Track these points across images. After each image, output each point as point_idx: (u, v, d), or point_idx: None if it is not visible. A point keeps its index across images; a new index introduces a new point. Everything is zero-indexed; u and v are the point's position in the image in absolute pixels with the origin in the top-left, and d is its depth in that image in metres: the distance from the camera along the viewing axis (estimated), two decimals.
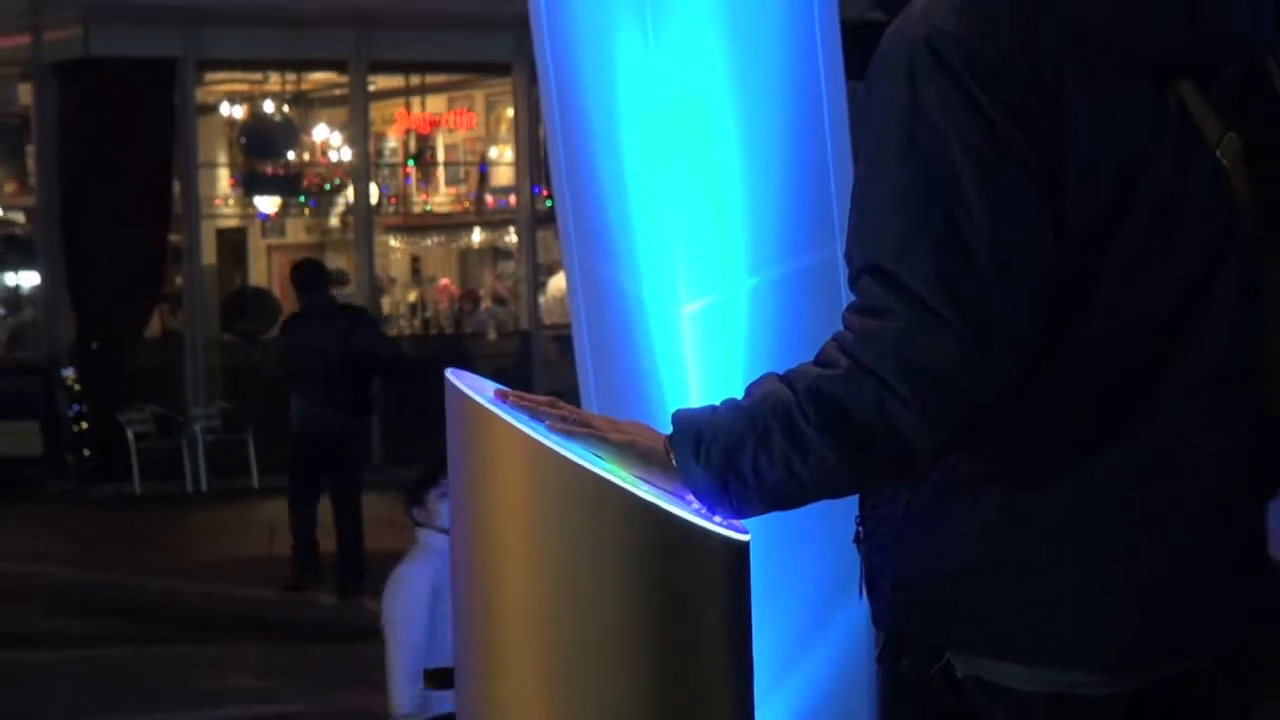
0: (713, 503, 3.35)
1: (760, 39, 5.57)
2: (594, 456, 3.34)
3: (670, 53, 5.48)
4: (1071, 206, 3.30)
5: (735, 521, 3.37)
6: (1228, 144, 3.37)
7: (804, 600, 5.43)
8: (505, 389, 3.47)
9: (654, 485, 3.35)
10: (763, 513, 3.39)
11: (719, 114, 5.51)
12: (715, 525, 3.32)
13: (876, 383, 3.24)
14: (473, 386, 3.45)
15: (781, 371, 3.38)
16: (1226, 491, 3.44)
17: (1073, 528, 3.36)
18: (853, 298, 3.36)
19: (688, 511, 3.33)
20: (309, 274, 21.14)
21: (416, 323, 36.58)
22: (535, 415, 3.40)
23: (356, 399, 19.92)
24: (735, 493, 3.33)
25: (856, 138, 3.90)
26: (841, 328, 3.33)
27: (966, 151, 3.25)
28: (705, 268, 5.46)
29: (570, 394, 5.38)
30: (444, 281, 36.78)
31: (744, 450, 3.30)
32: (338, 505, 19.73)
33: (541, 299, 33.80)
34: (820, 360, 3.33)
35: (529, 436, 3.34)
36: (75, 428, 31.32)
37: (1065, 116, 3.30)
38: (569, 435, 3.38)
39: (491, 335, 35.02)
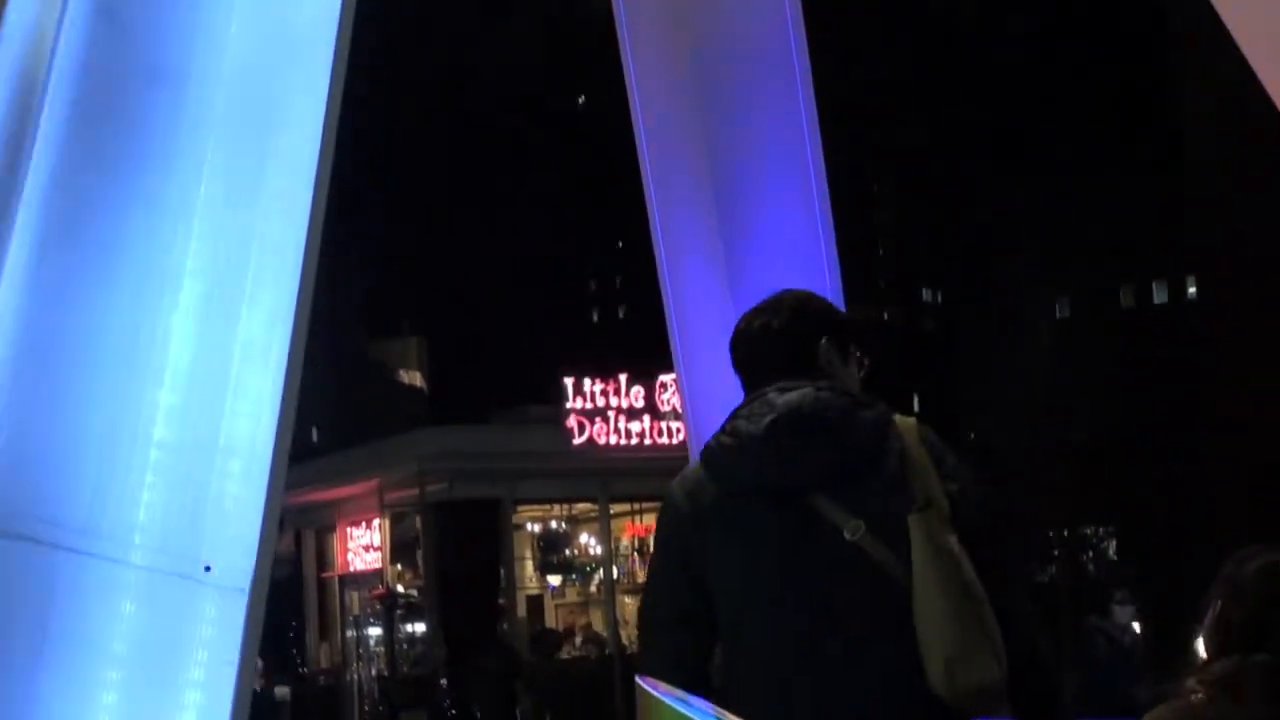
0: None
1: None
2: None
3: None
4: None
5: None
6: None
7: None
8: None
9: None
10: None
11: None
12: None
13: None
14: (650, 684, 3.32)
15: None
16: None
17: None
18: None
19: None
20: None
21: None
22: None
23: (507, 693, 22.37)
24: None
25: None
26: None
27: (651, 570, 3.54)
28: None
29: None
30: None
31: None
32: None
33: None
34: None
35: (672, 707, 3.18)
36: (449, 713, 31.08)
37: (709, 538, 3.34)
38: None
39: None
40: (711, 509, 3.29)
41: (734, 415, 3.46)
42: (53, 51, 3.73)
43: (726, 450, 3.35)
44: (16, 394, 3.48)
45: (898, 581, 3.17)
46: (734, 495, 3.29)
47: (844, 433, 3.30)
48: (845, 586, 3.19)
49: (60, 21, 3.76)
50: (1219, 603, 3.56)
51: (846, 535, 3.20)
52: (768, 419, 3.34)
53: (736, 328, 3.67)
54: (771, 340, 3.54)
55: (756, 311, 3.66)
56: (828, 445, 3.28)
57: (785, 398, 3.37)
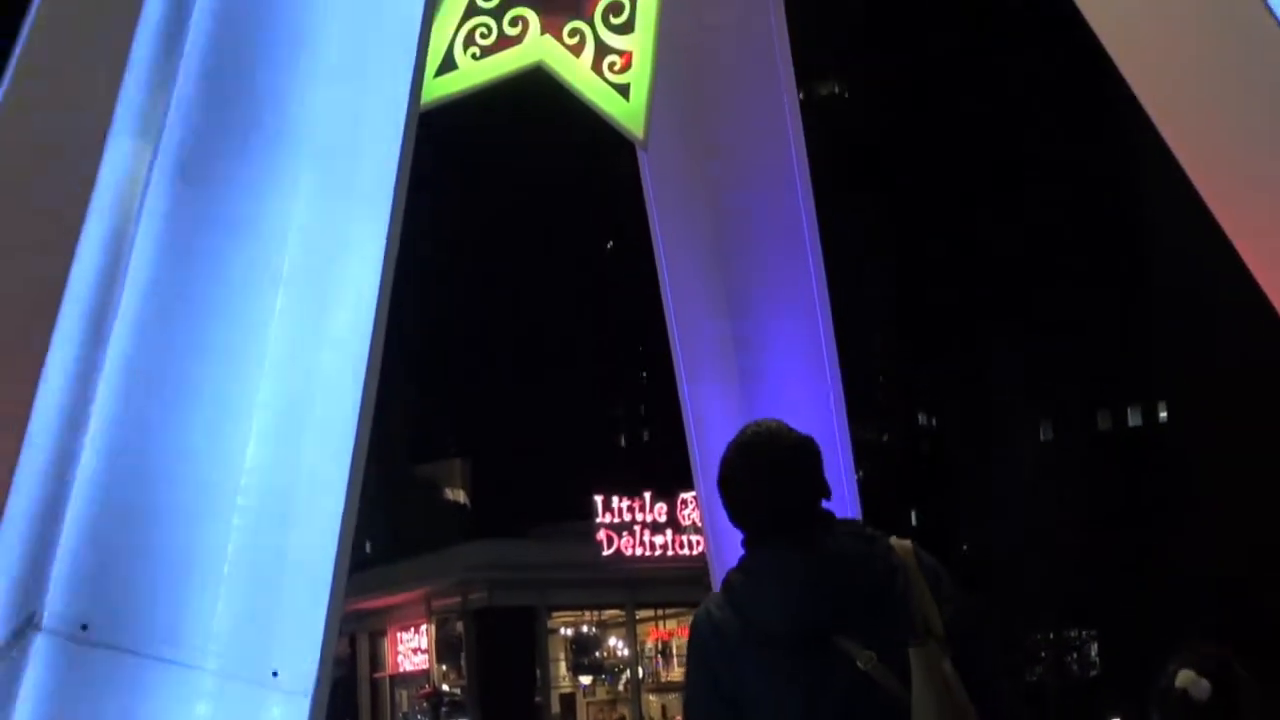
0: None
1: None
2: None
3: None
4: None
5: None
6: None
7: None
8: None
9: None
10: None
11: None
12: None
13: None
14: None
15: None
16: None
17: None
18: None
19: None
20: None
21: None
22: None
23: None
24: None
25: None
26: None
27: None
28: None
29: None
30: (676, 717, 36.19)
31: None
32: None
33: None
34: None
35: None
36: None
37: (740, 670, 3.28)
38: None
39: None
40: (737, 640, 3.26)
41: (749, 568, 3.36)
42: (139, 210, 3.77)
43: (752, 600, 3.31)
44: (106, 518, 3.49)
45: (904, 703, 3.26)
46: (756, 627, 3.23)
47: (856, 583, 3.33)
48: (864, 708, 3.25)
49: (147, 181, 3.80)
50: (1156, 714, 3.55)
51: (860, 665, 3.24)
52: (789, 576, 3.31)
53: (734, 475, 3.45)
54: (777, 498, 3.39)
55: (751, 463, 3.44)
56: (841, 597, 3.30)
57: (805, 559, 3.33)
